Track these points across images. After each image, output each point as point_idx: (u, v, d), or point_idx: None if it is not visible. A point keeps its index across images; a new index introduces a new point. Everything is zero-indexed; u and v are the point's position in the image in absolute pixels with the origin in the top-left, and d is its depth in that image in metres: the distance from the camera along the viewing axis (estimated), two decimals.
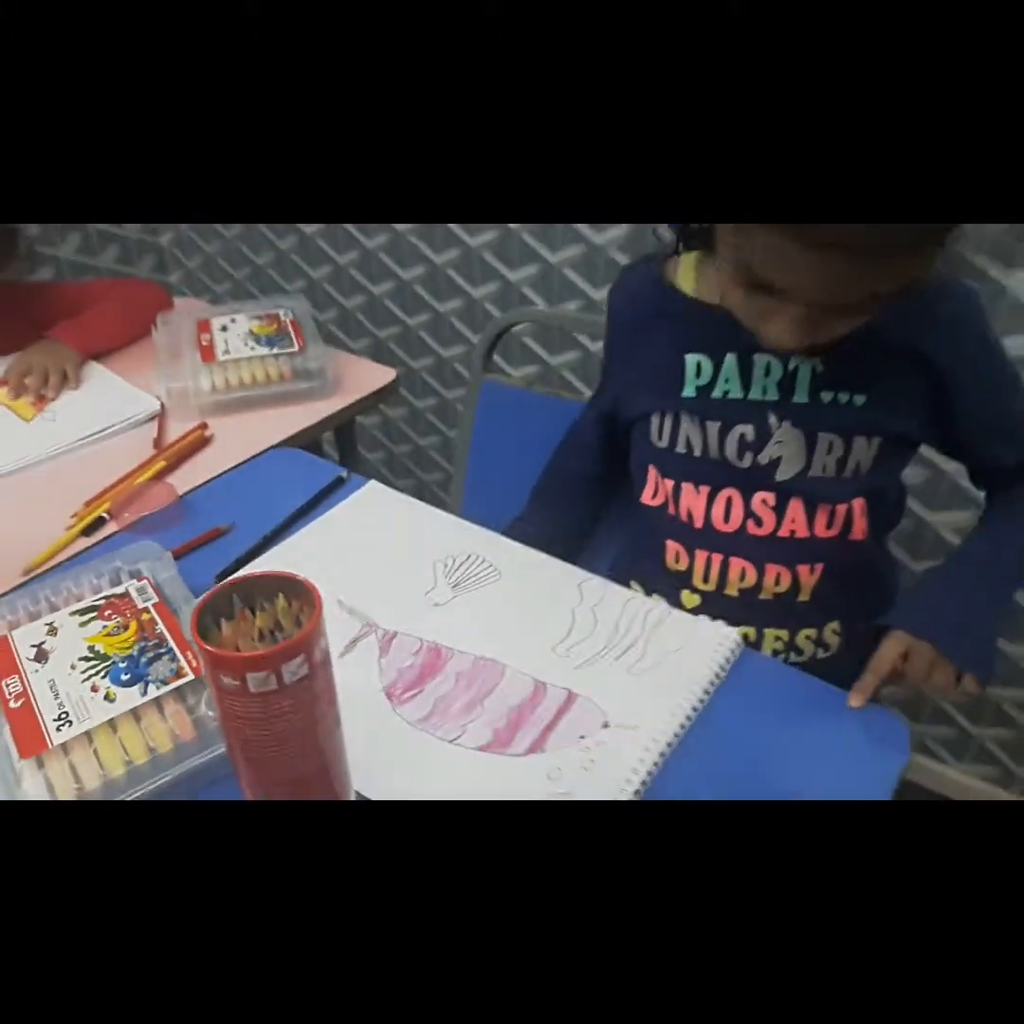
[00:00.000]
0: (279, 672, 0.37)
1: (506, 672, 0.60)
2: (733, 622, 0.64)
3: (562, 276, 1.24)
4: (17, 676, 0.55)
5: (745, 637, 0.64)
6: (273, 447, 0.88)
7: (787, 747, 0.55)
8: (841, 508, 0.66)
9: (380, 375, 1.01)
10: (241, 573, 0.61)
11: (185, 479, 0.82)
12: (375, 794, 0.52)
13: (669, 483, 0.70)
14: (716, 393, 0.65)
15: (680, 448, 0.68)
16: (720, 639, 0.62)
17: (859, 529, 0.67)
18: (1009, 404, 0.66)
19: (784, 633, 0.70)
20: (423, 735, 0.56)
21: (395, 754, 0.54)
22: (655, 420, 0.69)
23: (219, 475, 0.84)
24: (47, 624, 0.59)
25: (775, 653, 0.71)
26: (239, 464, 0.85)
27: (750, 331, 0.59)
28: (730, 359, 0.64)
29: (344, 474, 0.81)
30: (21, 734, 0.51)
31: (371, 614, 0.65)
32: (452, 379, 1.47)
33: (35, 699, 0.54)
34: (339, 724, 0.42)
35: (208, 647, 0.36)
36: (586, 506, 0.83)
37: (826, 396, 0.63)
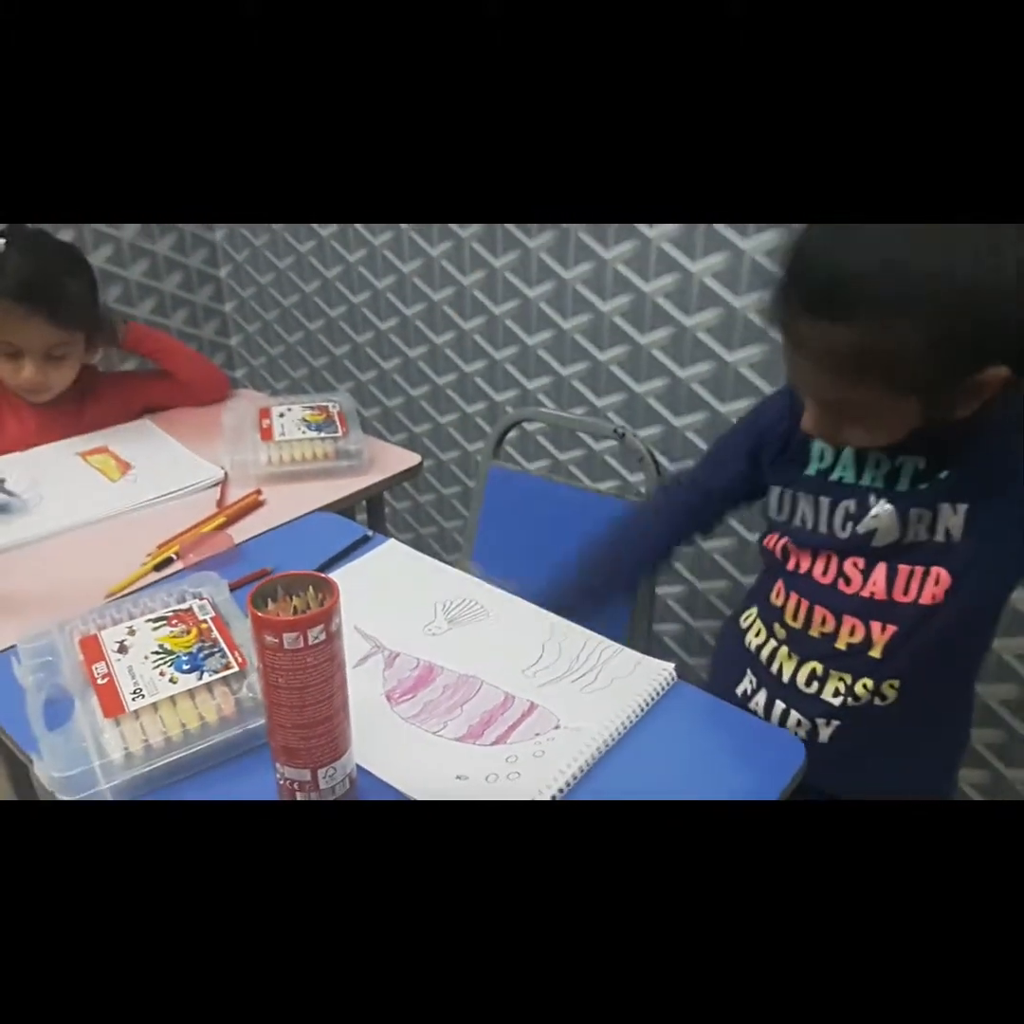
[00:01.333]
0: (305, 635, 0.53)
1: (483, 686, 0.74)
2: (803, 656, 0.79)
3: (571, 386, 1.44)
4: (104, 662, 0.71)
5: (813, 672, 0.79)
6: (314, 511, 1.06)
7: (699, 750, 0.68)
8: (919, 571, 0.74)
9: (407, 459, 1.20)
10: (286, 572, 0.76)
11: (240, 532, 1.00)
12: (377, 769, 0.66)
13: (784, 542, 0.82)
14: (833, 476, 0.77)
15: (796, 521, 0.80)
16: (658, 671, 0.76)
17: (930, 595, 0.74)
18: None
19: (848, 677, 0.78)
20: (413, 727, 0.70)
21: (391, 740, 0.69)
22: (777, 494, 0.81)
23: (268, 530, 1.01)
24: (128, 627, 0.76)
25: (836, 694, 0.79)
26: (285, 522, 1.03)
27: None
28: (847, 452, 0.76)
29: (369, 533, 0.98)
30: (106, 701, 0.67)
31: (380, 638, 0.81)
32: (475, 470, 1.66)
33: (117, 679, 0.70)
34: (345, 686, 0.57)
35: (259, 614, 0.53)
36: (623, 596, 0.95)
37: (924, 486, 0.72)
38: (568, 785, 0.64)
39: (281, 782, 0.59)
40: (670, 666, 0.76)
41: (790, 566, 0.82)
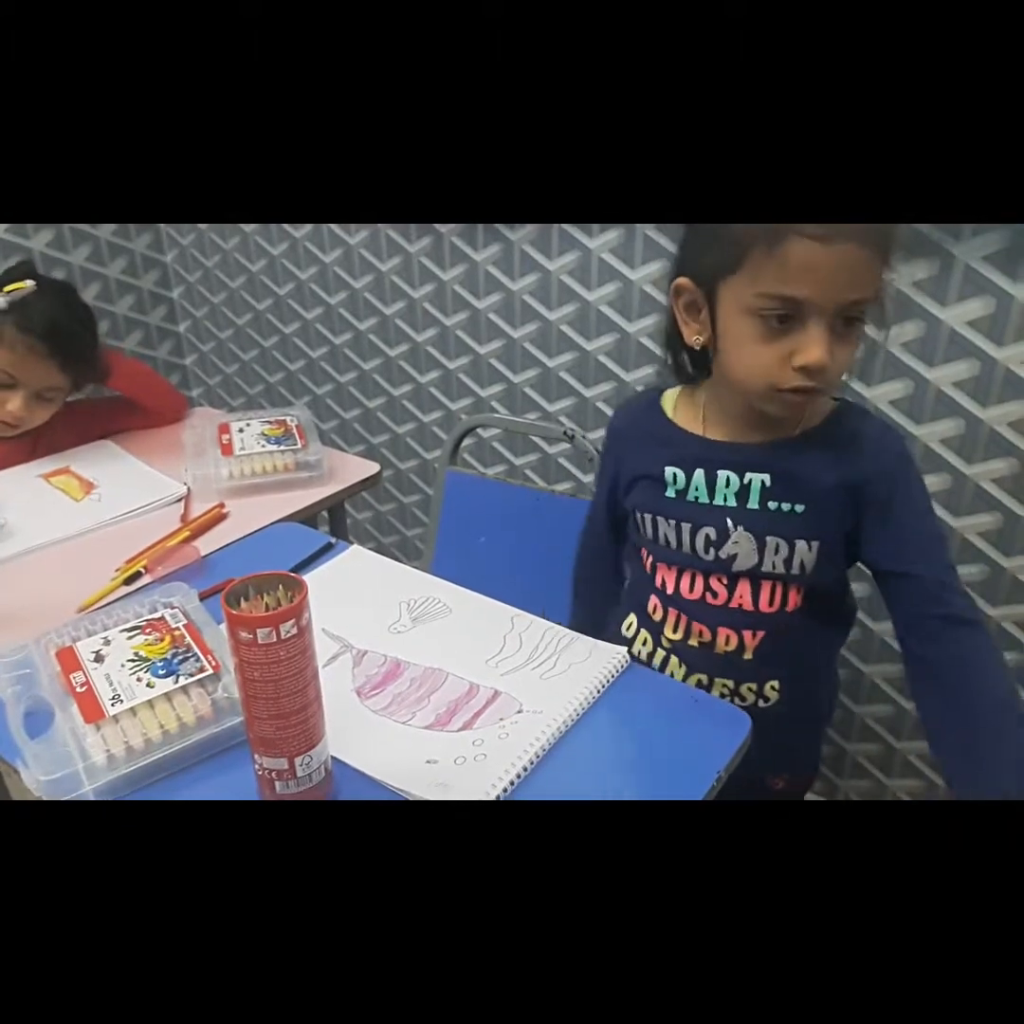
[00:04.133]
0: (278, 629, 0.56)
1: (448, 677, 0.79)
2: (692, 668, 0.85)
3: (523, 393, 1.49)
4: (81, 671, 0.74)
5: (699, 682, 0.84)
6: (276, 521, 1.09)
7: (651, 726, 0.73)
8: (779, 588, 0.82)
9: (366, 468, 1.24)
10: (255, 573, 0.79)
11: (206, 544, 1.03)
12: (351, 759, 0.69)
13: (651, 558, 0.88)
14: (689, 497, 0.82)
15: (661, 541, 0.86)
16: (612, 655, 0.81)
17: (792, 603, 0.82)
18: (924, 526, 0.78)
19: (730, 682, 0.85)
20: (383, 719, 0.74)
21: (364, 732, 0.72)
22: (639, 516, 0.87)
23: (233, 542, 1.04)
24: (102, 638, 0.78)
25: (722, 696, 0.85)
26: (249, 534, 1.06)
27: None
28: (699, 473, 0.82)
29: (332, 541, 1.02)
30: (86, 707, 0.70)
31: (348, 638, 0.84)
32: (434, 478, 1.70)
33: (95, 686, 0.72)
34: (317, 677, 0.61)
35: (233, 612, 0.56)
36: (615, 597, 0.98)
37: (772, 505, 0.79)
38: (532, 763, 0.69)
39: (259, 772, 0.63)
40: (622, 650, 0.81)
41: (658, 583, 0.88)
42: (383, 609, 0.89)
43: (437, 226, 1.46)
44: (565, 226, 1.33)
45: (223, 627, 0.82)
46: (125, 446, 1.29)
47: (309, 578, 0.95)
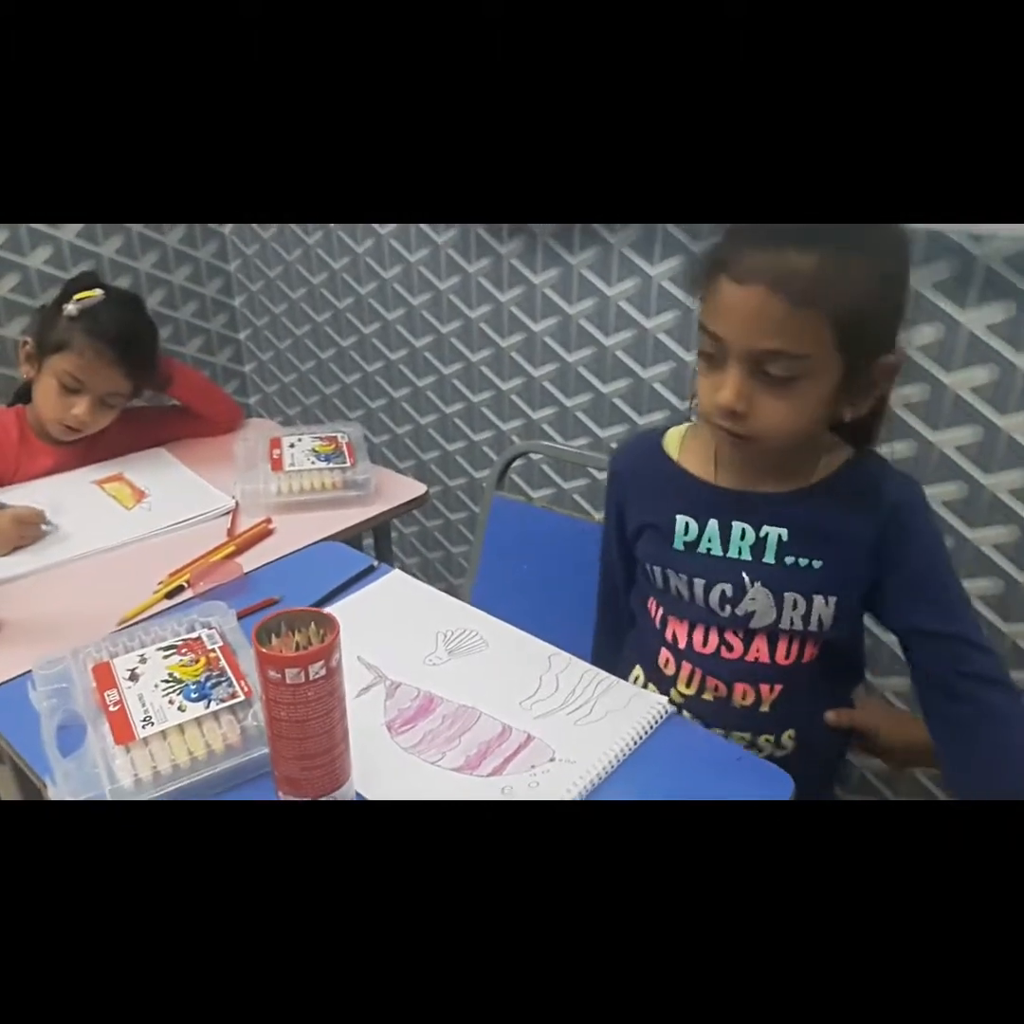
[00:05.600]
0: (307, 670, 0.55)
1: (481, 717, 0.77)
2: (707, 723, 0.81)
3: (575, 417, 1.47)
4: (115, 690, 0.74)
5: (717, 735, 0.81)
6: (322, 540, 1.09)
7: (690, 782, 0.70)
8: (796, 642, 0.80)
9: (413, 489, 1.23)
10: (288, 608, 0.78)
11: (250, 560, 1.03)
12: (375, 798, 0.68)
13: (661, 610, 0.85)
14: (700, 549, 0.79)
15: (672, 594, 0.82)
16: (652, 704, 0.78)
17: (809, 655, 0.80)
18: (944, 582, 0.75)
19: (747, 735, 0.83)
20: (413, 757, 0.72)
21: (391, 769, 0.71)
22: (648, 567, 0.83)
23: (277, 559, 1.04)
24: (139, 656, 0.79)
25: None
26: (293, 551, 1.06)
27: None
28: (712, 524, 0.78)
29: (374, 563, 1.01)
30: (117, 728, 0.70)
31: (382, 668, 0.83)
32: (481, 497, 1.69)
33: (128, 706, 0.72)
34: (344, 718, 0.60)
35: (262, 650, 0.55)
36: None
37: (790, 560, 0.76)
38: None
39: None
40: (664, 699, 0.78)
41: (668, 636, 0.84)
42: (419, 639, 0.88)
43: (497, 246, 1.46)
44: (626, 251, 1.31)
45: None
46: (177, 455, 1.30)
47: (348, 602, 0.94)
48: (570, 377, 1.45)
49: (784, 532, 0.77)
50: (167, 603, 0.96)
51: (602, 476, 1.47)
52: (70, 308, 1.15)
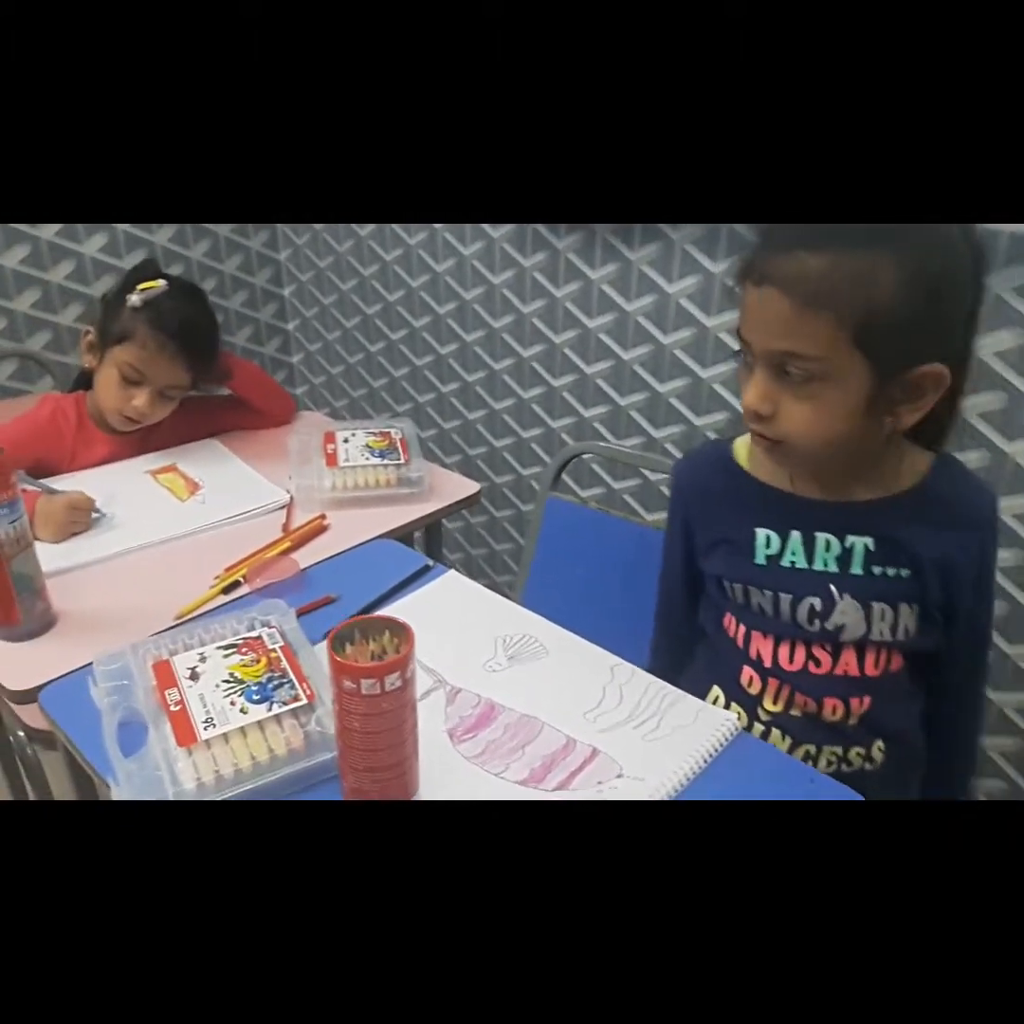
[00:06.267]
0: (383, 681, 0.54)
1: (544, 728, 0.75)
2: (798, 740, 0.79)
3: (629, 416, 1.44)
4: (176, 689, 0.73)
5: (807, 753, 0.79)
6: (376, 538, 1.08)
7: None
8: (884, 653, 0.78)
9: (466, 487, 1.21)
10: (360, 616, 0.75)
11: (305, 557, 1.02)
12: None
13: (743, 628, 0.81)
14: (784, 562, 0.76)
15: (753, 610, 0.80)
16: (722, 721, 0.75)
17: (897, 664, 0.78)
18: (979, 603, 0.79)
19: (839, 749, 0.80)
20: (475, 768, 0.71)
21: (455, 779, 0.69)
22: (727, 584, 0.80)
23: (332, 556, 1.03)
24: (199, 654, 0.78)
25: (829, 764, 0.81)
26: (349, 549, 1.05)
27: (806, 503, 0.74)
28: (795, 535, 0.76)
29: (430, 563, 1.00)
30: (179, 729, 0.69)
31: (442, 673, 0.81)
32: (528, 495, 1.67)
33: (189, 706, 0.71)
34: (416, 731, 0.58)
35: (338, 659, 0.54)
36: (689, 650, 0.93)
37: (877, 570, 0.75)
38: None
39: None
40: (732, 716, 0.76)
41: (752, 654, 0.81)
42: (478, 644, 0.86)
43: (554, 241, 1.43)
44: (689, 247, 1.28)
45: (319, 649, 0.81)
46: (230, 446, 1.30)
47: (404, 603, 0.93)
48: (625, 375, 1.43)
49: (870, 541, 0.74)
50: (224, 598, 0.95)
51: (655, 477, 1.45)
52: (133, 299, 1.14)
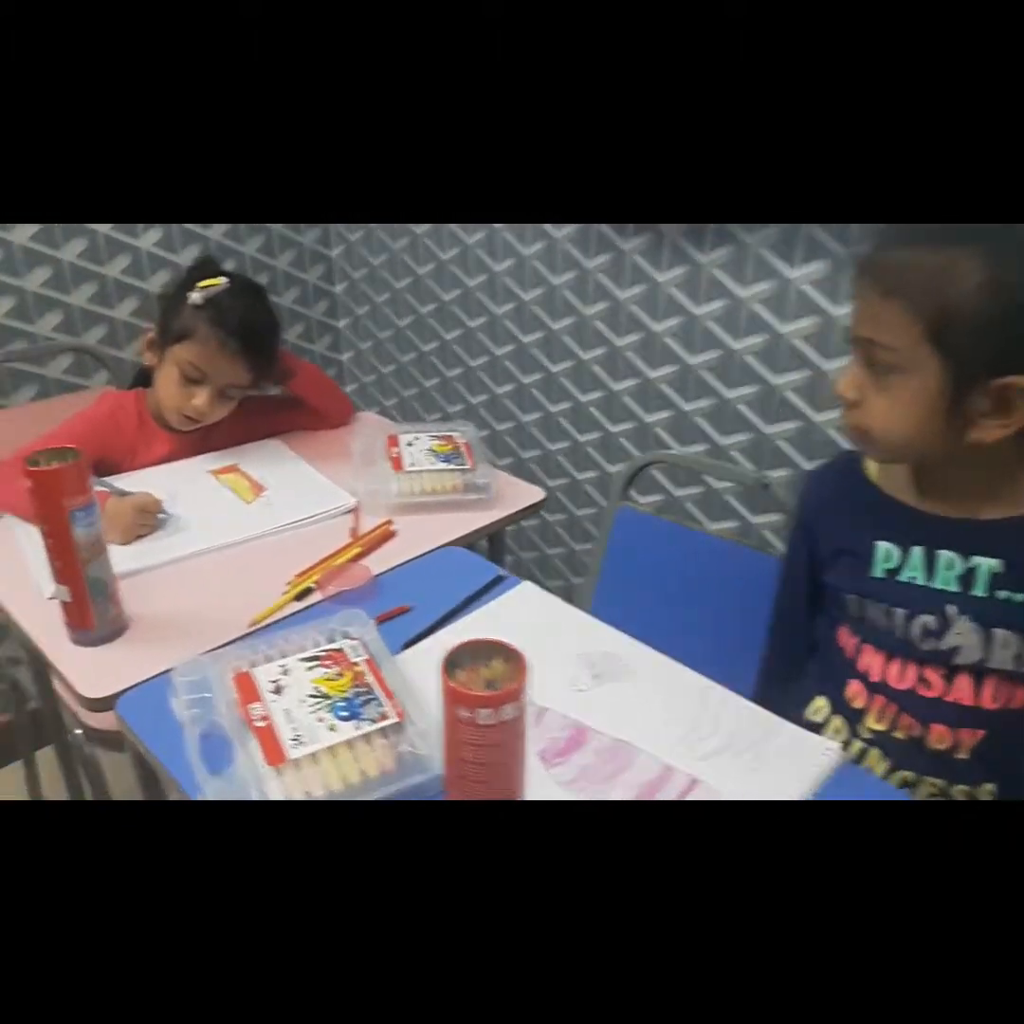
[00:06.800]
0: (500, 711, 0.51)
1: (639, 755, 0.72)
2: (897, 764, 0.76)
3: (693, 422, 1.41)
4: (260, 703, 0.71)
5: (905, 780, 0.75)
6: (444, 545, 1.05)
7: None
8: (1006, 686, 0.73)
9: (531, 494, 1.18)
10: (466, 639, 0.63)
11: (374, 564, 1.00)
12: None
13: (854, 640, 0.79)
14: (902, 577, 0.74)
15: (868, 623, 0.77)
16: (822, 750, 0.72)
17: (1021, 700, 0.74)
18: None
19: (940, 782, 0.77)
20: (572, 794, 0.68)
21: None
22: (844, 595, 0.78)
23: (402, 563, 1.01)
24: (281, 666, 0.76)
25: (929, 797, 0.77)
26: (418, 556, 1.02)
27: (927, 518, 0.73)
28: (917, 551, 0.74)
29: (502, 573, 0.97)
30: (267, 747, 0.67)
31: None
32: (582, 499, 1.63)
33: (275, 723, 0.69)
34: (525, 761, 0.56)
35: (454, 686, 0.51)
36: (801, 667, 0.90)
37: (1003, 595, 0.71)
38: None
39: None
40: (833, 745, 0.73)
41: (861, 667, 0.79)
42: (560, 661, 0.83)
43: (619, 243, 1.40)
44: (764, 251, 1.24)
45: (400, 660, 0.79)
46: (291, 447, 1.28)
47: (479, 614, 0.90)
48: (690, 380, 1.39)
49: (997, 563, 0.71)
50: (296, 605, 0.93)
51: (720, 485, 1.41)
52: (194, 296, 1.12)
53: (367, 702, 0.71)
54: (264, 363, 1.18)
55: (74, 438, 1.13)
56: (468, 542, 1.09)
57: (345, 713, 0.70)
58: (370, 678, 0.74)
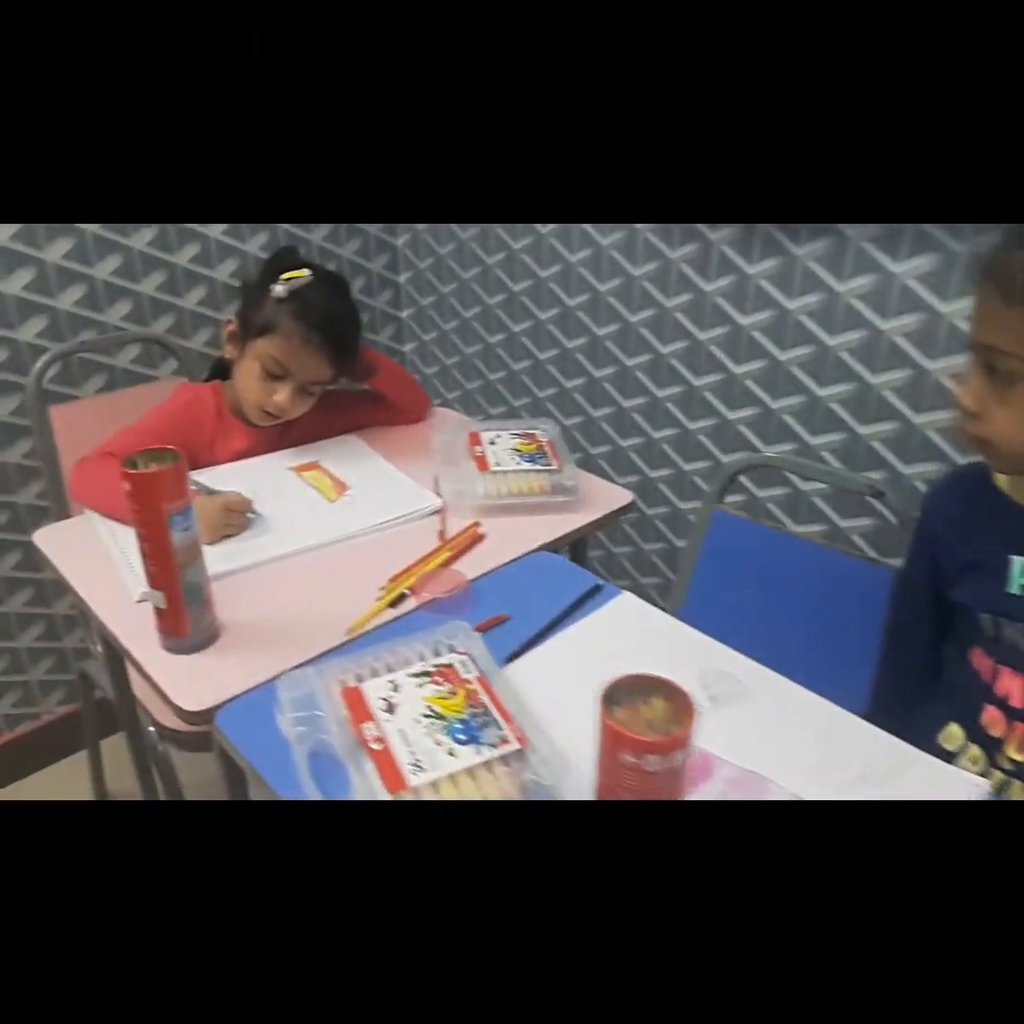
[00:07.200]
0: (669, 757, 0.47)
1: (770, 787, 0.68)
2: None
3: (781, 421, 1.35)
4: (373, 723, 0.68)
5: None
6: (534, 550, 1.01)
7: None
8: None
9: (618, 497, 1.14)
10: (628, 672, 0.59)
11: (464, 568, 0.96)
12: None
13: (989, 662, 0.75)
14: None
15: (1005, 644, 0.73)
16: (968, 786, 0.67)
17: None
18: None
19: None
20: None
21: None
22: (976, 613, 0.74)
23: (494, 569, 0.97)
24: (390, 682, 0.72)
25: None
26: (509, 561, 0.98)
27: None
28: None
29: (600, 583, 0.93)
30: (385, 772, 0.64)
31: None
32: (656, 498, 1.58)
33: (391, 745, 0.66)
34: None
35: (619, 728, 0.47)
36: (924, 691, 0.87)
37: None
38: None
39: None
40: (982, 782, 0.68)
41: (999, 691, 0.74)
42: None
43: (706, 233, 1.34)
44: (866, 245, 1.18)
45: (507, 670, 0.75)
46: (370, 444, 1.24)
47: (581, 627, 0.87)
48: (779, 377, 1.33)
49: None
50: (390, 612, 0.90)
51: (806, 487, 1.36)
52: (278, 289, 1.09)
53: (485, 725, 0.68)
54: (347, 359, 1.14)
55: (154, 433, 1.11)
56: (556, 546, 1.05)
57: (463, 736, 0.66)
58: (484, 698, 0.70)
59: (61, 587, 1.55)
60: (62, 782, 1.65)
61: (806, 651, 0.94)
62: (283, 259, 1.16)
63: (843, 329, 1.24)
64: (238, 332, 1.14)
